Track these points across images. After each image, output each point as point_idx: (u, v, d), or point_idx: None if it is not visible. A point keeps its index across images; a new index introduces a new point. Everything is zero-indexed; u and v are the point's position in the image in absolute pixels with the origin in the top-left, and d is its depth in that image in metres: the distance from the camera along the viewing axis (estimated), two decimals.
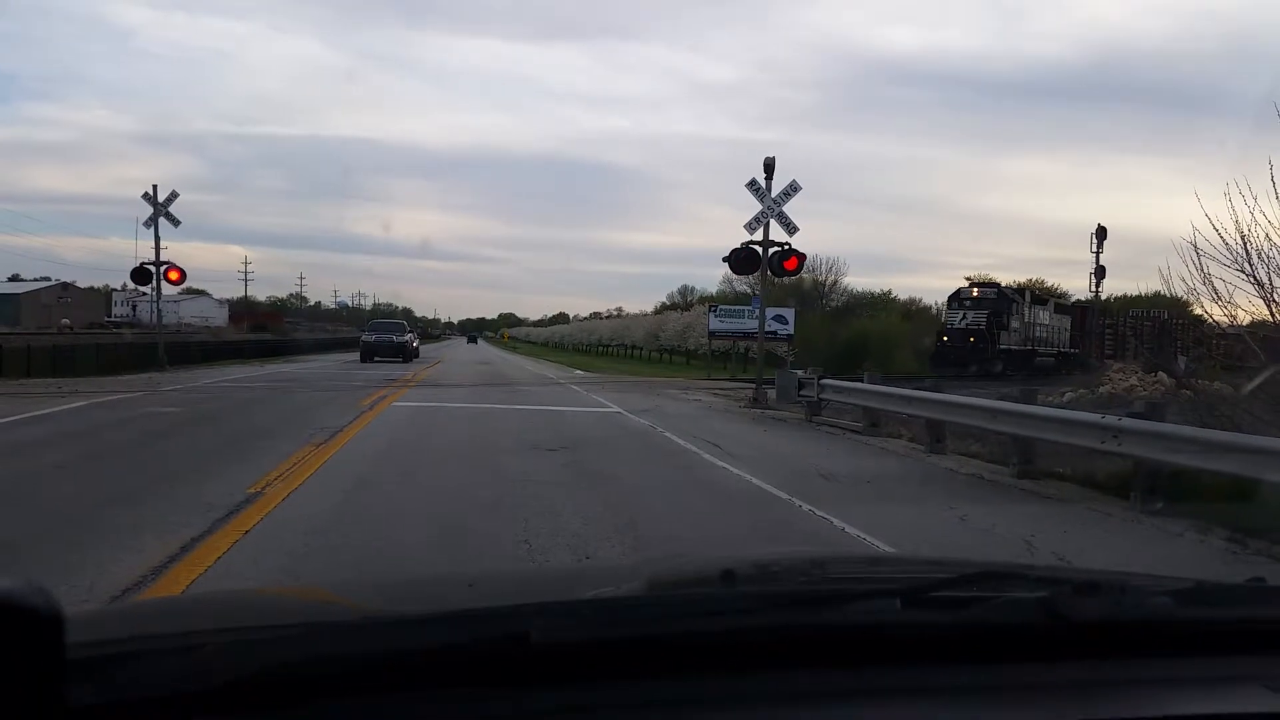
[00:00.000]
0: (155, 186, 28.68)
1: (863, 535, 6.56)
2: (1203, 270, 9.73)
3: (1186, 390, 23.14)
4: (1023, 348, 42.56)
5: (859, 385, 14.89)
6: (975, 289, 44.17)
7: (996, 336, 40.59)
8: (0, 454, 9.57)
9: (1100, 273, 51.11)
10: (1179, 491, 8.04)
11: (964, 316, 42.18)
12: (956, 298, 44.10)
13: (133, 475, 8.48)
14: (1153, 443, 8.02)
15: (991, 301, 42.28)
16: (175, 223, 28.86)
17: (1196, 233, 9.55)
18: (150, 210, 28.42)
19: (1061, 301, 51.69)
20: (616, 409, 16.72)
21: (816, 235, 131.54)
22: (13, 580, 0.76)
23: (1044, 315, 46.20)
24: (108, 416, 13.47)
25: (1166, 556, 6.61)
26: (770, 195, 19.53)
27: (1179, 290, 10.49)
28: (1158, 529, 7.37)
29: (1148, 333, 55.84)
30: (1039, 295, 47.86)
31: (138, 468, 9.01)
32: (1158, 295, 50.09)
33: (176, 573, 5.05)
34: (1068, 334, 48.06)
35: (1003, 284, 45.62)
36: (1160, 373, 26.32)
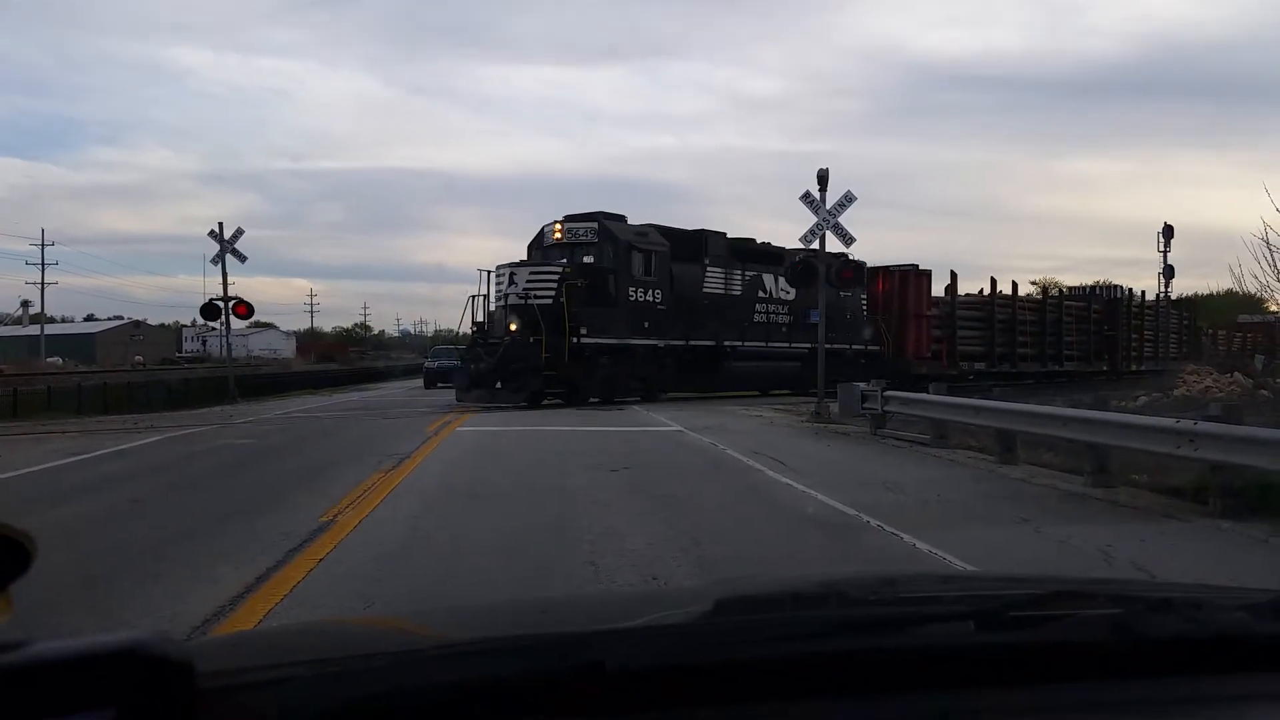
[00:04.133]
0: (221, 224, 29.41)
1: (934, 551, 6.47)
2: (1276, 266, 9.48)
3: (1264, 391, 22.55)
4: (674, 342, 23.66)
5: (924, 396, 14.70)
6: (559, 227, 23.35)
7: (575, 330, 21.24)
8: (81, 489, 9.87)
9: (1169, 272, 49.45)
10: (1261, 496, 7.81)
11: (509, 286, 22.34)
12: (539, 245, 24.23)
13: (208, 507, 8.69)
14: (1230, 446, 7.81)
15: (582, 248, 22.73)
16: (241, 259, 29.58)
17: (1268, 228, 9.31)
18: (217, 247, 29.15)
19: (842, 260, 24.01)
20: (678, 427, 16.72)
21: (874, 244, 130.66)
22: (143, 631, 0.80)
23: (775, 285, 26.68)
24: (182, 450, 13.82)
25: (1248, 564, 6.42)
26: (825, 207, 19.45)
27: (1252, 287, 10.26)
28: (1239, 535, 7.16)
29: (1080, 320, 39.11)
30: (750, 246, 26.93)
31: (213, 500, 9.23)
32: (1229, 293, 47.76)
33: (253, 603, 5.17)
34: (861, 320, 29.13)
35: (629, 218, 24.26)
36: (1236, 373, 25.66)
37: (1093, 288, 44.44)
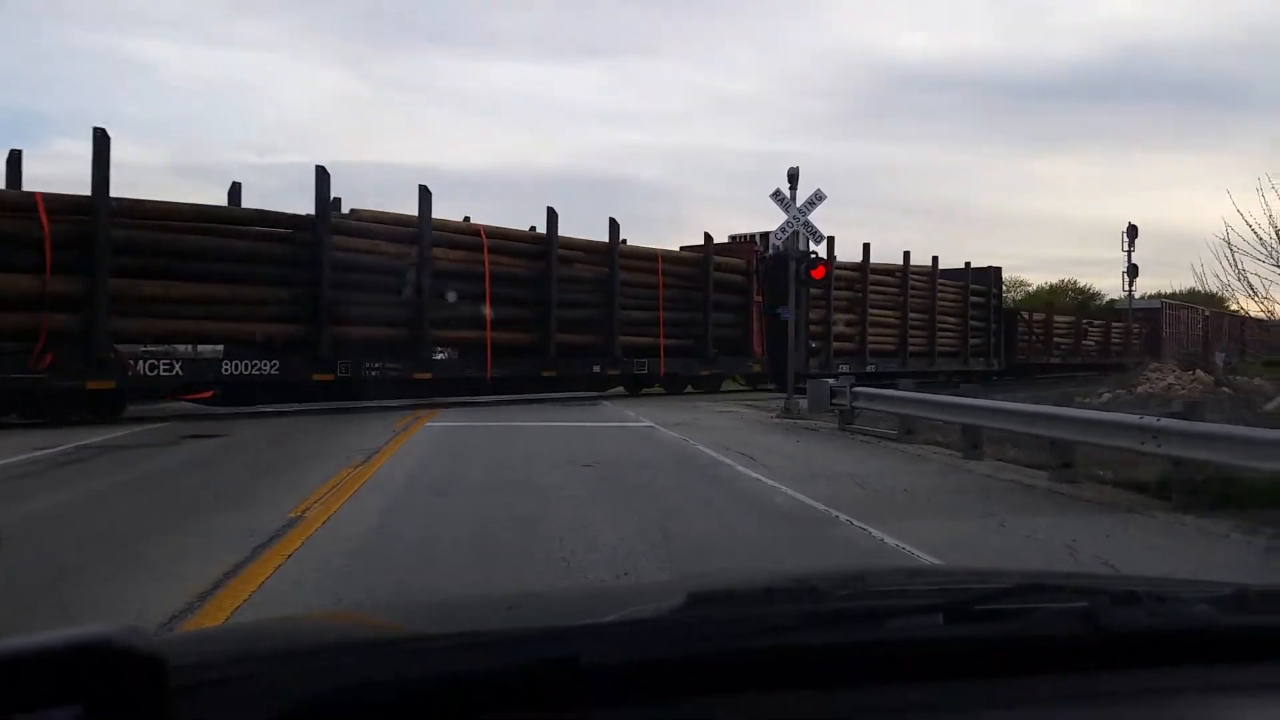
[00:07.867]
0: None
1: (902, 545, 6.52)
2: (1237, 266, 9.65)
3: (1225, 388, 22.89)
4: None
5: (892, 393, 14.82)
6: None
7: None
8: (45, 485, 9.73)
9: (1133, 271, 49.70)
10: (1224, 492, 7.94)
11: None
12: None
13: (176, 502, 8.59)
14: (1192, 442, 7.94)
15: None
16: None
17: (1229, 229, 9.47)
18: None
19: None
20: (649, 423, 16.73)
21: (844, 243, 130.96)
22: (110, 625, 0.78)
23: None
24: (148, 444, 13.65)
25: (1211, 559, 6.53)
26: (795, 205, 19.55)
27: (1213, 286, 10.43)
28: (1202, 530, 7.27)
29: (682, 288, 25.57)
30: None
31: (180, 495, 9.12)
32: (1193, 292, 47.10)
33: (220, 599, 5.11)
34: None
35: None
36: (1198, 370, 26.04)
37: (743, 238, 30.09)
